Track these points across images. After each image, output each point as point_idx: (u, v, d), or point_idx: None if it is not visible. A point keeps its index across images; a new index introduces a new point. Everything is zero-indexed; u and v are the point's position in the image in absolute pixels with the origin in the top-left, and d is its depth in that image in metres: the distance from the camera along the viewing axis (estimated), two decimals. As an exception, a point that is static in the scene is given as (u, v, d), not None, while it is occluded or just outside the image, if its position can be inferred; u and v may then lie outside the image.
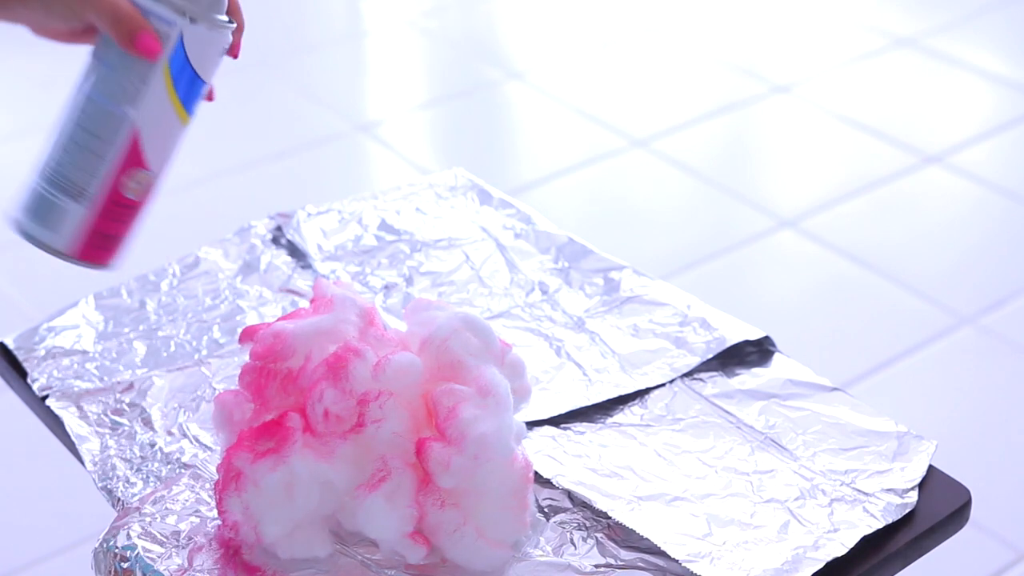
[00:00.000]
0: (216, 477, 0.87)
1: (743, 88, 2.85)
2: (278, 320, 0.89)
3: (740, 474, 0.93)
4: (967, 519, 0.93)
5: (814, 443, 0.95)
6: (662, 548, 0.86)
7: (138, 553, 0.85)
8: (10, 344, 1.07)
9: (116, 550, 0.86)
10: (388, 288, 1.13)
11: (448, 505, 0.85)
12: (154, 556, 0.85)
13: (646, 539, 0.87)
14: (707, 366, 1.03)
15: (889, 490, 0.91)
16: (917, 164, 2.56)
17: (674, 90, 2.85)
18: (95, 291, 1.13)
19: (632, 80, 2.90)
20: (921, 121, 2.71)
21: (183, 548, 0.86)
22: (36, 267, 2.27)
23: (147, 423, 0.98)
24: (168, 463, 0.94)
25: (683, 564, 0.85)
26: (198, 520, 0.88)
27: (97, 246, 0.85)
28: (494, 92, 2.87)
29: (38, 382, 1.03)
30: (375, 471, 0.85)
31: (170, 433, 0.97)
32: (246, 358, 0.88)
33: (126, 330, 1.09)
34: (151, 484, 0.92)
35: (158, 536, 0.86)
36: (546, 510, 0.90)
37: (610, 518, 0.88)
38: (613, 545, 0.87)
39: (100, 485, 0.93)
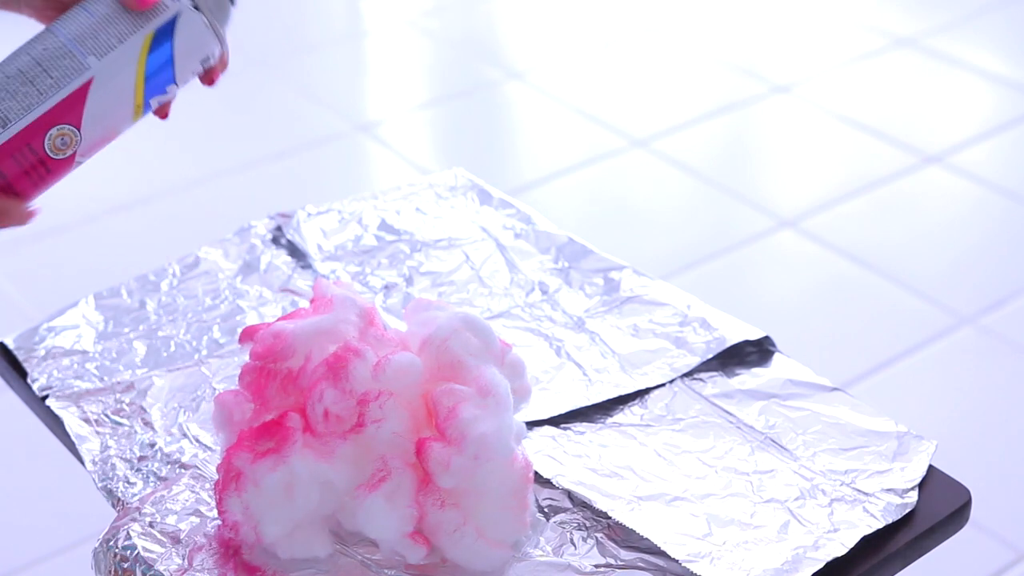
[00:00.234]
0: (216, 477, 0.87)
1: (743, 88, 2.85)
2: (278, 320, 0.89)
3: (740, 474, 0.93)
4: (967, 519, 0.93)
5: (814, 443, 0.95)
6: (662, 548, 0.86)
7: (138, 553, 0.85)
8: (10, 344, 1.07)
9: (116, 550, 0.86)
10: (388, 288, 1.13)
11: (448, 505, 0.85)
12: (154, 556, 0.85)
13: (646, 539, 0.87)
14: (707, 366, 1.03)
15: (889, 490, 0.91)
16: (917, 164, 2.56)
17: (674, 90, 2.85)
18: (95, 291, 1.13)
19: (632, 80, 2.90)
20: (921, 121, 2.71)
21: (183, 548, 0.86)
22: (36, 267, 2.27)
23: (147, 423, 0.98)
24: (168, 463, 0.94)
25: (683, 564, 0.85)
26: (198, 520, 0.88)
27: None
28: (494, 92, 2.87)
29: (38, 382, 1.03)
30: (375, 471, 0.85)
31: (170, 433, 0.97)
32: (246, 358, 0.88)
33: (126, 330, 1.09)
34: (151, 484, 0.92)
35: (158, 536, 0.86)
36: (546, 510, 0.90)
37: (610, 518, 0.88)
38: (613, 545, 0.87)
39: (100, 485, 0.93)
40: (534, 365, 1.02)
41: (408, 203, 1.25)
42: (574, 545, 0.87)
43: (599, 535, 0.88)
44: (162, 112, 0.84)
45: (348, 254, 1.18)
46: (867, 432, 0.96)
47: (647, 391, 1.01)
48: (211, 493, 0.89)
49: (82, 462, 0.95)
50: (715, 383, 1.02)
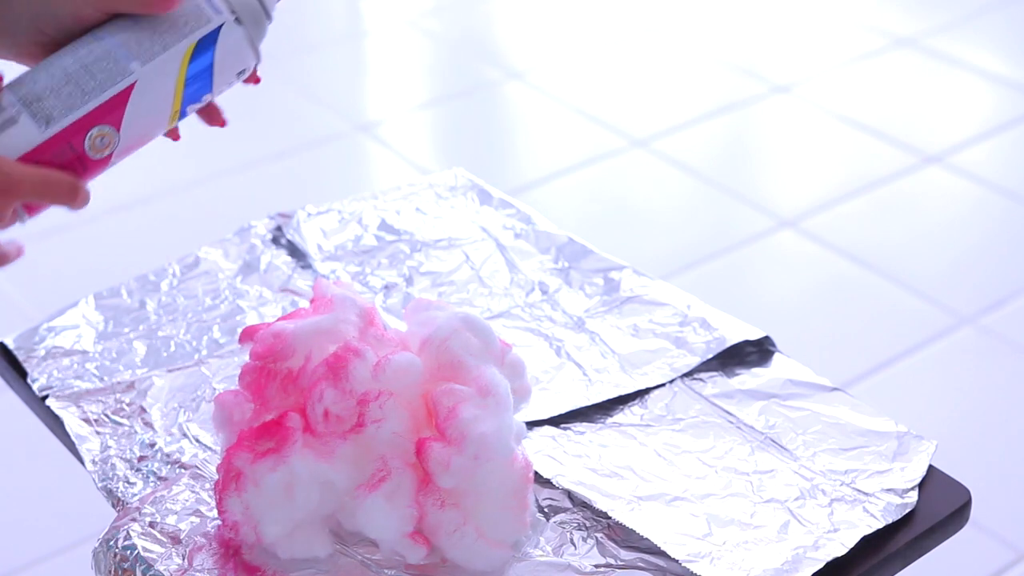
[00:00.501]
0: (216, 477, 0.87)
1: (743, 88, 2.85)
2: (278, 320, 0.89)
3: (740, 474, 0.93)
4: (967, 519, 0.93)
5: (814, 443, 0.95)
6: (662, 548, 0.86)
7: (138, 553, 0.85)
8: (10, 344, 1.07)
9: (116, 550, 0.86)
10: (388, 288, 1.13)
11: (448, 505, 0.85)
12: (154, 556, 0.85)
13: (646, 539, 0.87)
14: (707, 366, 1.03)
15: (889, 490, 0.91)
16: (917, 164, 2.56)
17: (674, 90, 2.85)
18: (95, 291, 1.13)
19: (632, 80, 2.90)
20: (921, 121, 2.71)
21: (183, 548, 0.86)
22: (36, 267, 2.27)
23: (147, 423, 0.98)
24: (168, 463, 0.94)
25: (683, 564, 0.85)
26: (198, 520, 0.88)
27: None
28: (494, 92, 2.87)
29: (38, 382, 1.03)
30: (375, 471, 0.85)
31: (170, 433, 0.97)
32: (246, 358, 0.88)
33: (126, 330, 1.09)
34: (151, 484, 0.92)
35: (158, 536, 0.86)
36: (546, 510, 0.90)
37: (610, 518, 0.88)
38: (613, 545, 0.87)
39: (100, 485, 0.93)
40: (534, 365, 1.02)
41: (408, 203, 1.25)
42: (574, 545, 0.87)
43: (599, 535, 0.88)
44: (173, 135, 0.86)
45: (348, 254, 1.18)
46: (867, 432, 0.96)
47: (647, 391, 1.01)
48: (211, 493, 0.89)
49: (82, 462, 0.95)
50: (715, 383, 1.02)
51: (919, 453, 0.94)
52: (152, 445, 0.95)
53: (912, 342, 2.08)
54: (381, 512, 0.84)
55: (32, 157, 0.80)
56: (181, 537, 0.86)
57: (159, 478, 0.92)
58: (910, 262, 2.27)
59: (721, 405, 0.99)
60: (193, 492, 0.90)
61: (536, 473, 0.91)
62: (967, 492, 0.93)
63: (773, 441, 0.96)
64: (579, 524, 0.89)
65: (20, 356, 1.06)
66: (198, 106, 0.85)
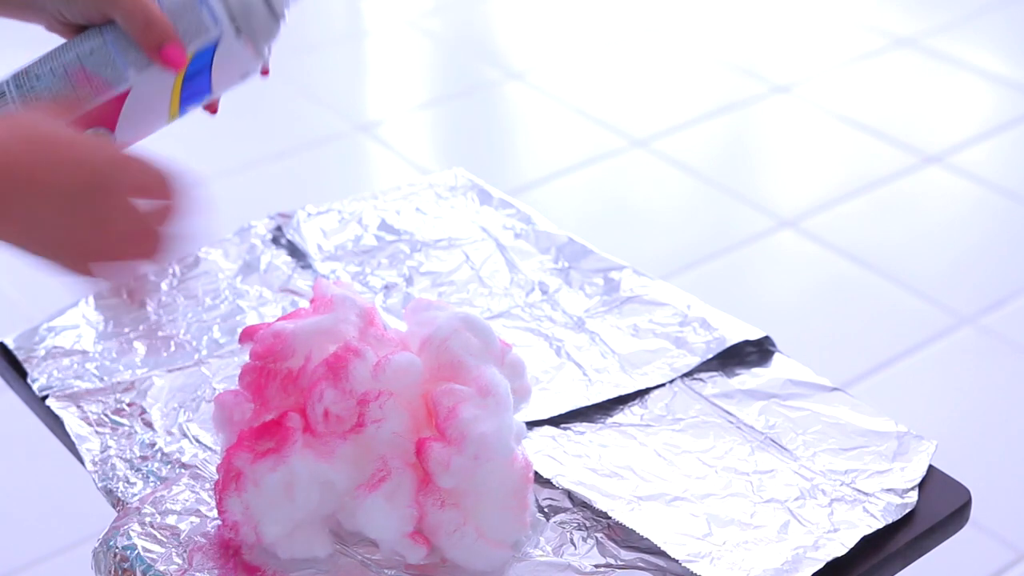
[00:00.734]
0: (216, 477, 0.87)
1: (743, 88, 2.85)
2: (278, 320, 0.89)
3: (740, 474, 0.93)
4: (967, 519, 0.93)
5: (814, 443, 0.95)
6: (662, 548, 0.86)
7: (138, 553, 0.85)
8: (10, 344, 1.07)
9: (116, 550, 0.86)
10: (388, 288, 1.13)
11: (448, 505, 0.85)
12: (154, 556, 0.85)
13: (646, 539, 0.87)
14: (707, 366, 1.03)
15: (889, 490, 0.91)
16: (917, 164, 2.56)
17: (674, 90, 2.85)
18: (95, 291, 1.13)
19: (632, 80, 2.90)
20: (921, 121, 2.71)
21: (183, 548, 0.86)
22: (36, 267, 2.27)
23: (147, 423, 0.98)
24: (168, 463, 0.94)
25: (683, 564, 0.85)
26: (198, 520, 0.88)
27: None
28: (494, 92, 2.87)
29: (38, 382, 1.03)
30: (375, 471, 0.85)
31: (170, 433, 0.97)
32: (246, 358, 0.88)
33: (126, 330, 1.09)
34: (151, 484, 0.92)
35: (158, 536, 0.86)
36: (546, 510, 0.90)
37: (610, 518, 0.88)
38: (613, 545, 0.87)
39: (100, 485, 0.93)
40: (534, 365, 1.02)
41: (408, 203, 1.25)
42: (574, 545, 0.87)
43: (599, 535, 0.88)
44: (212, 107, 0.86)
45: (348, 254, 1.17)
46: (867, 432, 0.96)
47: (647, 391, 1.01)
48: (211, 493, 0.89)
49: (82, 462, 0.95)
50: (715, 383, 1.01)
51: (919, 453, 0.94)
52: (152, 445, 0.95)
53: (912, 342, 2.08)
54: (381, 512, 0.84)
55: None
56: (181, 537, 0.86)
57: (159, 478, 0.92)
58: (910, 262, 2.27)
59: (721, 405, 0.99)
60: (193, 492, 0.90)
61: (536, 473, 0.91)
62: (967, 492, 0.93)
63: (773, 441, 0.96)
64: (579, 524, 0.89)
65: (20, 356, 1.06)
66: (198, 106, 0.85)
